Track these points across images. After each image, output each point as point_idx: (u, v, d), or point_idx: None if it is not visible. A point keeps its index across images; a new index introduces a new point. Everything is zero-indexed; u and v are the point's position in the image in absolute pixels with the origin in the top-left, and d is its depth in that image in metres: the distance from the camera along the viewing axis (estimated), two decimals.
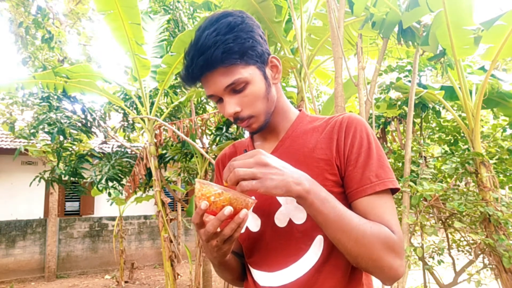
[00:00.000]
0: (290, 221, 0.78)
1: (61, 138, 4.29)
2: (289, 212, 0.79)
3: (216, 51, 0.73)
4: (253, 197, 0.69)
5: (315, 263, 0.75)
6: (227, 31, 0.74)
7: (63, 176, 4.46)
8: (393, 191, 0.76)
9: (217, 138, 4.16)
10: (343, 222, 0.67)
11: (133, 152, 4.76)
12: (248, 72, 0.77)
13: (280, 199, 0.81)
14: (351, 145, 0.77)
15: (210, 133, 4.49)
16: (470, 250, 2.83)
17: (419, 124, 3.16)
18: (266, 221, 0.81)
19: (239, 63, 0.76)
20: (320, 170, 0.76)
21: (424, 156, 2.77)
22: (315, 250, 0.76)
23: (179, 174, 5.30)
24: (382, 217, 0.72)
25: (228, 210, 0.64)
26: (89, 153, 4.69)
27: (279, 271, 0.78)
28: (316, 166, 0.77)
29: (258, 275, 0.82)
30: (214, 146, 4.31)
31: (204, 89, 0.80)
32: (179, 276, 3.96)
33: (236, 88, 0.76)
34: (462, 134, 2.99)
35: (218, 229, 0.67)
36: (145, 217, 9.09)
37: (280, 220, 0.79)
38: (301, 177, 0.66)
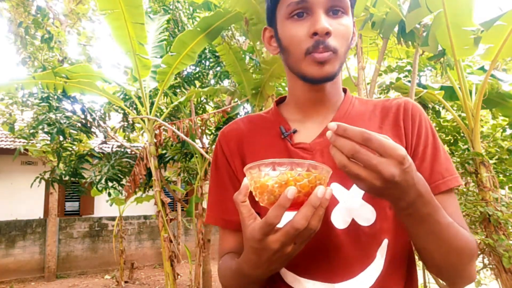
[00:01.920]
0: (354, 222, 0.65)
1: (61, 138, 4.29)
2: (351, 211, 0.65)
3: None
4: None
5: (380, 272, 0.65)
6: None
7: (63, 176, 4.46)
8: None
9: (217, 138, 4.16)
10: (444, 232, 0.56)
11: (133, 152, 4.76)
12: (350, 7, 0.68)
13: (338, 194, 0.66)
14: (418, 135, 0.68)
15: (210, 133, 4.49)
16: None
17: None
18: None
19: None
20: None
21: None
22: (382, 256, 0.65)
23: (179, 174, 5.30)
24: (455, 217, 0.62)
25: (321, 190, 0.48)
26: (89, 153, 4.69)
27: (344, 282, 0.64)
28: None
29: (310, 285, 0.66)
30: (214, 146, 4.31)
31: None
32: (179, 276, 3.96)
33: (337, 9, 0.64)
34: (462, 134, 2.98)
35: None
36: (145, 217, 9.08)
37: (339, 220, 0.65)
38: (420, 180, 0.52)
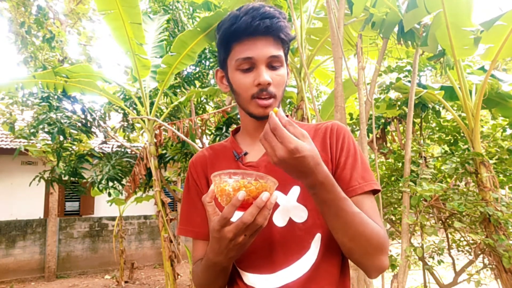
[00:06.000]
0: (291, 220, 0.79)
1: (61, 138, 4.28)
2: (288, 211, 0.79)
3: (281, 22, 0.79)
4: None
5: (315, 260, 0.78)
6: (285, 18, 0.82)
7: (63, 176, 4.46)
8: (374, 192, 0.82)
9: (217, 138, 4.16)
10: (349, 218, 0.70)
11: (133, 152, 4.76)
12: (284, 58, 0.84)
13: (278, 199, 0.79)
14: (341, 149, 0.84)
15: (210, 133, 4.49)
16: (470, 250, 2.83)
17: (419, 124, 3.15)
18: None
19: (286, 46, 0.84)
20: None
21: (424, 156, 2.77)
22: (315, 248, 0.78)
23: (179, 174, 5.30)
24: (370, 216, 0.76)
25: (266, 195, 0.61)
26: (89, 153, 4.69)
27: (281, 271, 0.77)
28: None
29: (254, 279, 0.80)
30: None
31: (242, 50, 0.79)
32: (179, 276, 3.97)
33: (274, 64, 0.80)
34: (462, 134, 2.98)
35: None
36: (145, 217, 9.08)
37: (279, 219, 0.80)
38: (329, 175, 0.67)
